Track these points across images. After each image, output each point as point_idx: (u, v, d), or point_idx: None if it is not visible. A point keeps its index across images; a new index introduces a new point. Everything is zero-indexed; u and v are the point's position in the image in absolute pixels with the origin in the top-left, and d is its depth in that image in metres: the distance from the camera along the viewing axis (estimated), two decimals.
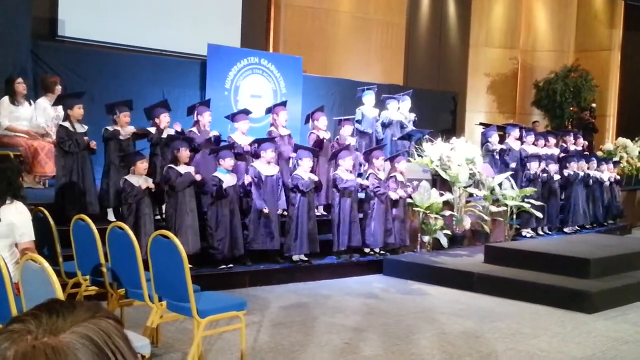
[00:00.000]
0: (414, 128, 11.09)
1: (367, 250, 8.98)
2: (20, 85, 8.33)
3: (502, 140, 12.09)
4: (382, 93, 11.28)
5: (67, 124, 7.47)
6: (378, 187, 8.85)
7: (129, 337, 0.92)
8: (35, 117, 8.50)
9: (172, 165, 7.46)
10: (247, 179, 7.83)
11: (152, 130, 8.19)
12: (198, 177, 7.51)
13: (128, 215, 7.04)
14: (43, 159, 8.17)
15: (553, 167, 11.81)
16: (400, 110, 11.23)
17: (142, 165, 7.22)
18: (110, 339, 0.87)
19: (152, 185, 7.21)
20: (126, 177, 7.17)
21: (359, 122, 10.82)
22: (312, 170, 8.51)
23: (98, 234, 5.15)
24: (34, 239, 4.42)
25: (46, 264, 3.53)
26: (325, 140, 9.49)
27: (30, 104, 8.47)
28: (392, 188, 8.99)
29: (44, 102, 8.70)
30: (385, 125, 11.02)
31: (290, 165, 9.03)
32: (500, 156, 11.68)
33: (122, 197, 7.17)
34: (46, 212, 5.62)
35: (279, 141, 8.84)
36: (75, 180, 7.39)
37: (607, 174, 13.06)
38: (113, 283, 5.16)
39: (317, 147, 9.10)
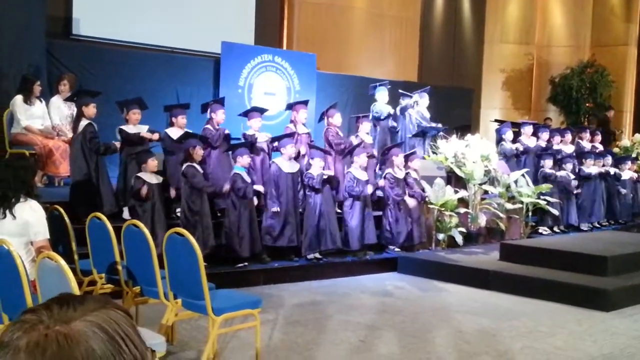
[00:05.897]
0: (428, 125, 10.99)
1: (390, 247, 8.94)
2: (38, 87, 8.38)
3: (516, 137, 11.97)
4: (397, 89, 11.19)
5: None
6: (392, 188, 8.84)
7: (138, 328, 0.94)
8: (50, 116, 8.55)
9: (191, 164, 7.43)
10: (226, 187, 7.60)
11: (170, 130, 8.21)
12: (226, 187, 7.48)
13: (143, 213, 7.07)
14: (58, 159, 8.20)
15: (569, 165, 11.69)
16: (418, 107, 11.11)
17: (153, 162, 7.27)
18: (119, 327, 0.90)
19: (160, 179, 7.31)
20: (138, 174, 7.21)
21: (376, 118, 10.63)
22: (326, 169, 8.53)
23: (113, 232, 5.16)
24: (48, 237, 4.44)
25: (62, 262, 3.54)
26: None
27: (41, 102, 8.51)
28: (408, 187, 8.99)
29: (58, 100, 8.74)
30: (404, 110, 10.91)
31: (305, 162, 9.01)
32: (516, 156, 11.59)
33: (133, 194, 7.21)
34: (62, 210, 5.65)
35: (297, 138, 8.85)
36: (90, 179, 7.42)
37: (628, 172, 12.92)
38: (128, 281, 5.18)
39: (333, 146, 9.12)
